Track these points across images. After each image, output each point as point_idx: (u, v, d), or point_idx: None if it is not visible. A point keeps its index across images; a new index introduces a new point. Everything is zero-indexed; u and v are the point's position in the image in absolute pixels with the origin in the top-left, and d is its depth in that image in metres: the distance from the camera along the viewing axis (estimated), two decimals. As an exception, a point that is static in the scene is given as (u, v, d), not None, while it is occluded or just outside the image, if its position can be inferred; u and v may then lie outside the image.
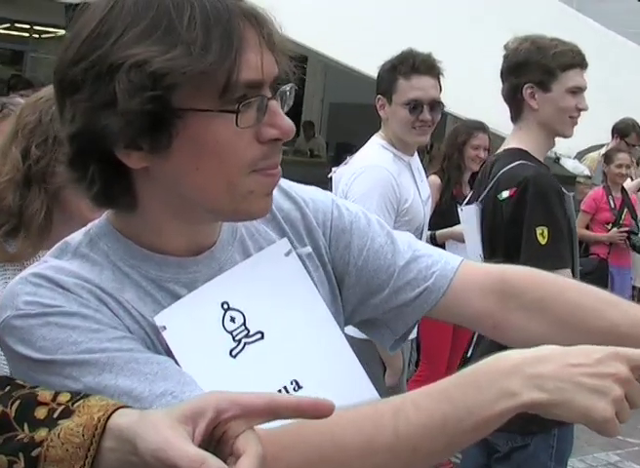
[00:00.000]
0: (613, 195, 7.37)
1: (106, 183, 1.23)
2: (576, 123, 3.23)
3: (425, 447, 1.11)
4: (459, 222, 4.11)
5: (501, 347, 1.21)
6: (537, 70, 3.17)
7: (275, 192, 1.30)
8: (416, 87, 3.69)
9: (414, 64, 3.69)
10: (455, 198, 5.56)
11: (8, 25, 18.64)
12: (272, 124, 1.22)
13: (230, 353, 1.27)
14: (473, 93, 7.23)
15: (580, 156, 8.47)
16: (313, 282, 1.38)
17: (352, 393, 1.32)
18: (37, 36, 19.03)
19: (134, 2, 1.18)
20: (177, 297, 1.27)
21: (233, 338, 1.28)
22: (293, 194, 1.42)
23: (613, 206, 7.35)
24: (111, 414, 1.05)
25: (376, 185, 3.63)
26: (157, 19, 1.16)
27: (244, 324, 1.29)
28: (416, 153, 4.01)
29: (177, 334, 1.24)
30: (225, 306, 1.29)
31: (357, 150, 4.01)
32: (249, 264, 1.33)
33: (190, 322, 1.26)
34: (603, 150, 8.00)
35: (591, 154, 8.49)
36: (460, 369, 1.16)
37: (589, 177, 8.09)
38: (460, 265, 1.46)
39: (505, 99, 3.33)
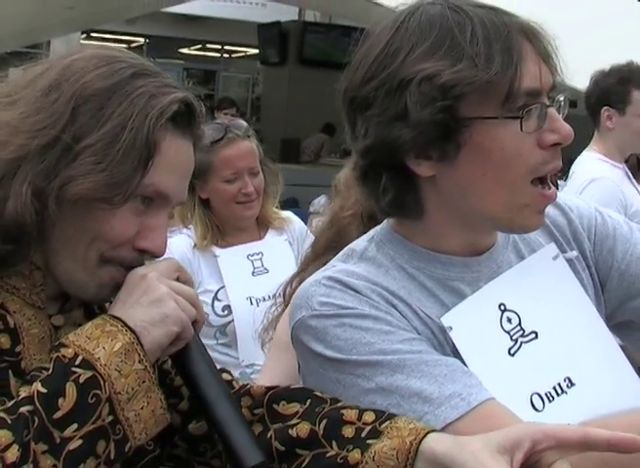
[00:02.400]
0: None
1: (399, 192, 1.33)
2: None
3: None
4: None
5: None
6: None
7: None
8: None
9: None
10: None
11: (199, 46, 19.45)
12: (553, 129, 1.28)
13: (509, 352, 1.34)
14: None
15: None
16: (582, 283, 1.44)
17: (623, 392, 1.37)
18: (228, 56, 19.78)
19: (417, 24, 1.29)
20: (461, 295, 1.35)
21: (510, 338, 1.35)
22: (559, 202, 1.48)
23: None
24: (423, 438, 1.14)
25: (604, 197, 3.73)
26: (441, 37, 1.26)
27: (519, 324, 1.36)
28: None
29: (462, 334, 1.32)
30: (502, 307, 1.36)
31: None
32: (520, 268, 1.41)
33: (473, 322, 1.34)
34: None
35: None
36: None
37: None
38: None
39: None
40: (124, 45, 17.11)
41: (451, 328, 1.31)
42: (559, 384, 1.34)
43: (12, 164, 1.17)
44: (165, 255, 2.99)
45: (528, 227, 1.35)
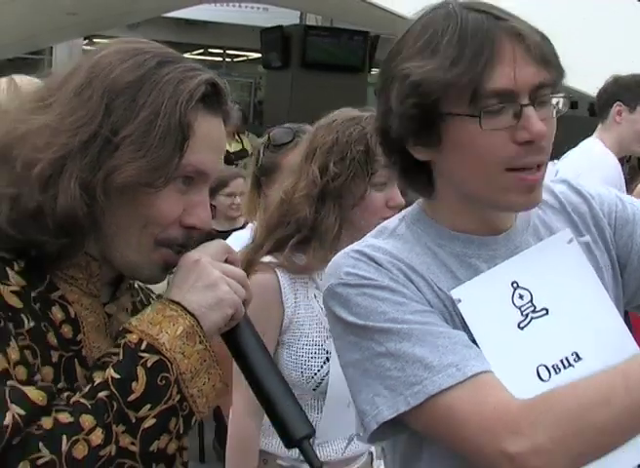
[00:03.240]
0: None
1: (404, 170, 1.50)
2: None
3: None
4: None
5: None
6: None
7: (566, 189, 1.58)
8: None
9: None
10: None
11: (202, 51, 19.53)
12: (525, 127, 1.38)
13: (518, 325, 1.43)
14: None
15: None
16: (597, 266, 1.53)
17: None
18: (230, 60, 19.87)
19: (419, 28, 1.43)
20: (477, 272, 1.46)
21: (521, 313, 1.44)
22: (582, 190, 1.60)
23: None
24: None
25: (611, 175, 4.15)
26: (429, 41, 1.40)
27: (531, 301, 1.45)
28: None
29: (470, 307, 1.42)
30: (515, 285, 1.46)
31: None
32: (536, 250, 1.50)
33: (483, 296, 1.43)
34: None
35: None
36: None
37: None
38: None
39: None
40: (126, 50, 17.12)
41: (460, 300, 1.43)
42: (566, 358, 1.43)
43: (57, 163, 1.24)
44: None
45: (513, 207, 1.47)
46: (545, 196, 1.52)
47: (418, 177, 1.49)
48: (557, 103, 1.42)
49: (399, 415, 1.37)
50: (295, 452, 1.79)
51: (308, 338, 2.37)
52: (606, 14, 8.78)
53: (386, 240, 1.51)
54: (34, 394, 1.15)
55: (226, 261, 1.33)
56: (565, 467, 1.30)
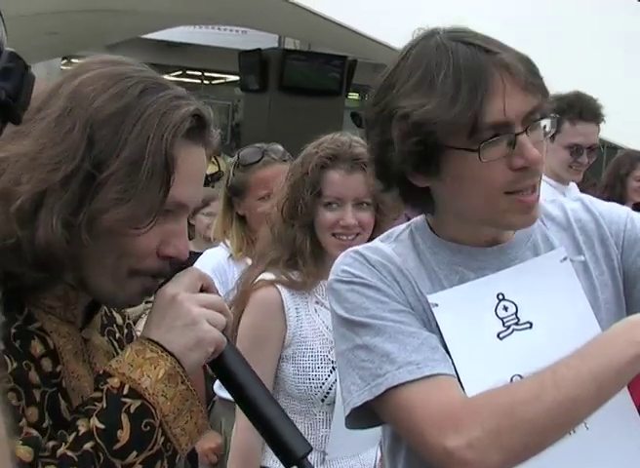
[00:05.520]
0: None
1: (403, 195, 1.58)
2: None
3: (583, 395, 1.36)
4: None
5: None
6: None
7: (578, 207, 1.64)
8: (580, 132, 4.06)
9: (581, 111, 4.03)
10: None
11: (180, 73, 19.55)
12: (520, 154, 1.46)
13: (498, 335, 1.51)
14: (634, 121, 7.18)
15: None
16: (592, 285, 1.58)
17: None
18: (208, 82, 19.90)
19: (411, 61, 1.50)
20: (464, 279, 1.55)
21: (503, 324, 1.52)
22: (592, 209, 1.66)
23: None
24: None
25: None
26: (423, 77, 1.46)
27: (515, 313, 1.53)
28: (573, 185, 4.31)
29: (447, 312, 1.51)
30: (501, 297, 1.53)
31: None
32: (528, 265, 1.57)
33: (464, 304, 1.51)
34: None
35: None
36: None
37: None
38: None
39: None
40: (104, 71, 17.06)
41: (436, 304, 1.51)
42: None
43: (37, 197, 1.20)
44: (201, 264, 3.28)
45: (513, 226, 1.55)
46: (555, 212, 1.62)
47: (417, 199, 1.57)
48: (544, 127, 1.49)
49: (369, 404, 1.46)
50: None
51: (313, 351, 2.44)
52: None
53: (390, 243, 1.62)
54: (21, 452, 1.13)
55: (201, 289, 1.30)
56: (500, 463, 1.38)
